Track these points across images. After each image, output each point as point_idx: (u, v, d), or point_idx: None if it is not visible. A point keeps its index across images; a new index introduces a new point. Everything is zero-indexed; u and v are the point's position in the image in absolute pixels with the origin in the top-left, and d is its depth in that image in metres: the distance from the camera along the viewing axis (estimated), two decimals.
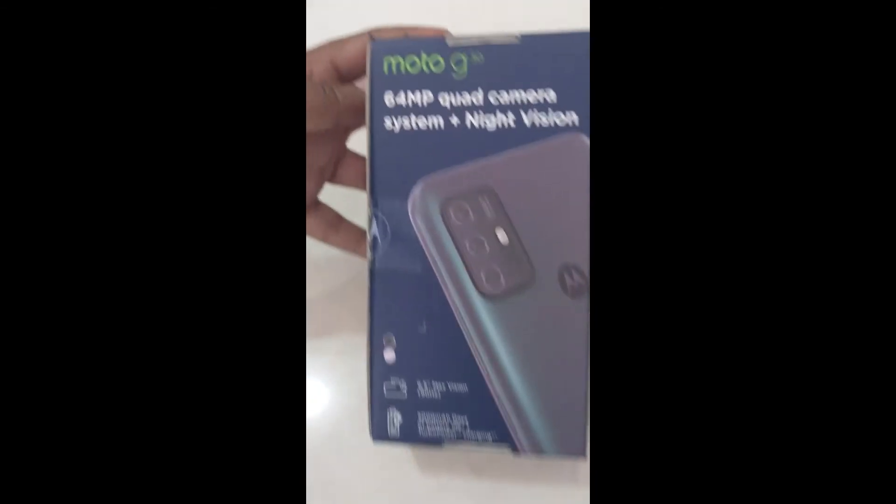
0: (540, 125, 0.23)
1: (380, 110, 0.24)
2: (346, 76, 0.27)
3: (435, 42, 0.24)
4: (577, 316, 0.23)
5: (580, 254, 0.23)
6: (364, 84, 0.25)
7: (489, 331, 0.24)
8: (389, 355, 0.25)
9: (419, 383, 0.25)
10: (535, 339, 0.24)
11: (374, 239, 0.24)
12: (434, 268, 0.24)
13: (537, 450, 0.24)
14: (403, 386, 0.25)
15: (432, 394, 0.24)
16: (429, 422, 0.24)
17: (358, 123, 0.28)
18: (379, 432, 0.25)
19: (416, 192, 0.24)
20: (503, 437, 0.24)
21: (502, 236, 0.24)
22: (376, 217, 0.24)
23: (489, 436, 0.24)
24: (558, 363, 0.24)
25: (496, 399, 0.24)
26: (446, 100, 0.24)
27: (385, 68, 0.24)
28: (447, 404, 0.24)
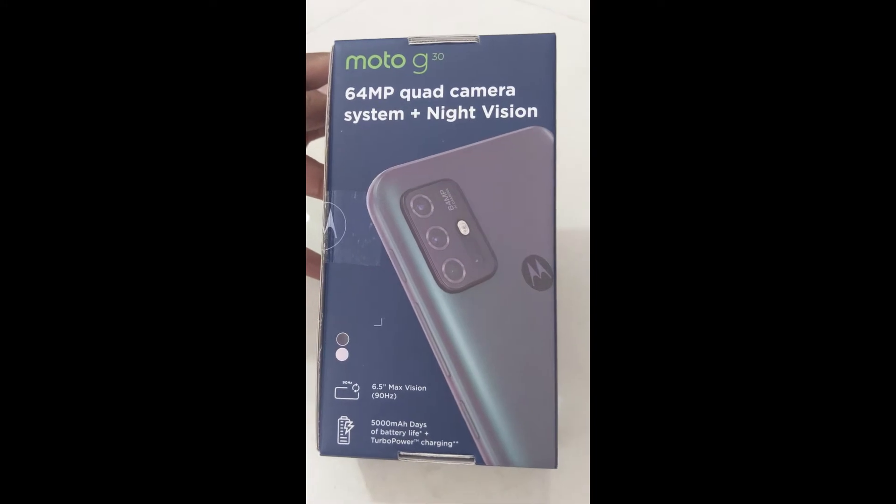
0: (500, 118, 0.23)
1: (340, 105, 0.24)
2: (311, 84, 0.27)
3: (396, 42, 0.24)
4: (543, 308, 0.22)
5: (545, 245, 0.22)
6: (327, 89, 0.25)
7: (450, 326, 0.22)
8: (342, 355, 0.23)
9: (374, 385, 0.22)
10: (500, 334, 0.22)
11: (330, 231, 0.23)
12: (393, 261, 0.23)
13: (504, 460, 0.22)
14: (357, 388, 0.22)
15: (388, 396, 0.22)
16: (383, 428, 0.22)
17: (319, 131, 0.28)
18: (328, 444, 0.22)
19: (376, 183, 0.23)
20: (466, 447, 0.22)
21: (464, 228, 0.23)
22: (332, 209, 0.23)
23: (450, 445, 0.22)
24: (525, 360, 0.22)
25: (458, 401, 0.22)
26: (407, 94, 0.24)
27: (347, 65, 0.24)
28: (404, 409, 0.22)
